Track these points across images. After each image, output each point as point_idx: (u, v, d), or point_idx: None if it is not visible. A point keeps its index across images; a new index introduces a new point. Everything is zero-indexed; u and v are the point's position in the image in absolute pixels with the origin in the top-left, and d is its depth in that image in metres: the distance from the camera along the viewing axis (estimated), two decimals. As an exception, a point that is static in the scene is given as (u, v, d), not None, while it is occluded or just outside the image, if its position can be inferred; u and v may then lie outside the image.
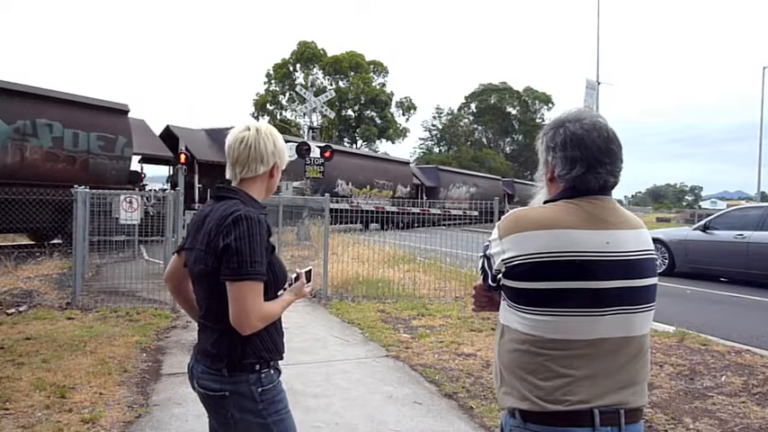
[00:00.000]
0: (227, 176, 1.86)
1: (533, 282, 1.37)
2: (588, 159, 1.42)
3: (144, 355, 5.11)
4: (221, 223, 1.67)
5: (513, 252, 1.39)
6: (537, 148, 1.56)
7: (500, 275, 1.44)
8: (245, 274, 1.64)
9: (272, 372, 1.78)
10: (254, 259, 1.65)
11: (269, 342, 1.77)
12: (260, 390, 1.73)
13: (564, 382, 1.36)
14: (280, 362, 1.85)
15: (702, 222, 11.63)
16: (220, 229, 1.67)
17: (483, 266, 1.54)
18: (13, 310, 6.54)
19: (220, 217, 1.69)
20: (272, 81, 48.07)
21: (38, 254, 10.15)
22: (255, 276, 1.66)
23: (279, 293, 1.83)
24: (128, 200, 8.48)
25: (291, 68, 47.85)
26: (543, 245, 1.36)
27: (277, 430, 1.76)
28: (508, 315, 1.45)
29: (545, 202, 1.50)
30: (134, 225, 9.22)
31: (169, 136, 19.39)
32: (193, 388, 1.83)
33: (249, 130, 1.83)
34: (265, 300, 1.75)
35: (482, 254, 1.55)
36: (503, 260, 1.41)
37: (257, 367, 1.74)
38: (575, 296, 1.35)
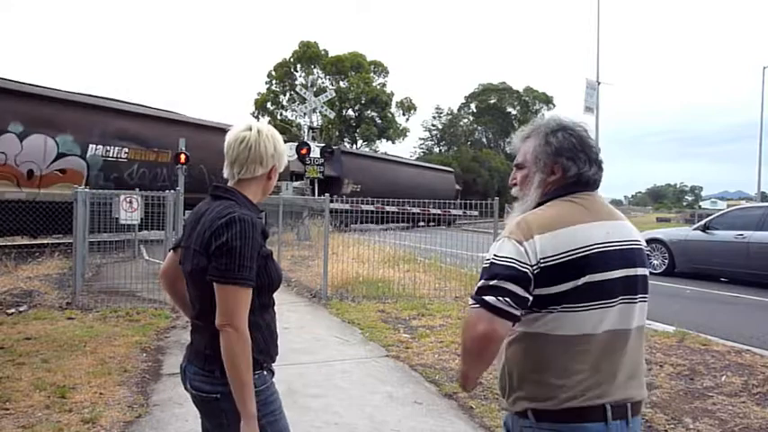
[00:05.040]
0: (225, 176, 1.85)
1: (561, 285, 1.36)
2: (589, 158, 1.53)
3: (144, 355, 5.11)
4: (215, 224, 1.67)
5: (548, 252, 1.37)
6: (523, 149, 1.59)
7: (532, 287, 1.36)
8: (231, 279, 1.62)
9: (264, 373, 1.76)
10: (243, 263, 1.63)
11: (262, 344, 1.75)
12: None
13: (576, 380, 1.37)
14: (274, 363, 1.83)
15: (702, 222, 11.61)
16: (213, 229, 1.66)
17: (499, 303, 1.34)
18: (13, 310, 6.54)
19: (215, 218, 1.68)
20: (273, 81, 48.01)
21: (38, 254, 10.14)
22: (242, 282, 1.63)
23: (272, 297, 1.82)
24: (128, 200, 8.48)
25: (292, 68, 47.79)
26: (568, 242, 1.38)
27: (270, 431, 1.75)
28: None
29: (540, 203, 1.52)
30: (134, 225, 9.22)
31: None
32: (186, 389, 1.82)
33: (250, 130, 1.80)
34: (260, 301, 1.74)
35: (493, 283, 1.35)
36: (538, 261, 1.36)
37: None
38: (587, 290, 1.37)
